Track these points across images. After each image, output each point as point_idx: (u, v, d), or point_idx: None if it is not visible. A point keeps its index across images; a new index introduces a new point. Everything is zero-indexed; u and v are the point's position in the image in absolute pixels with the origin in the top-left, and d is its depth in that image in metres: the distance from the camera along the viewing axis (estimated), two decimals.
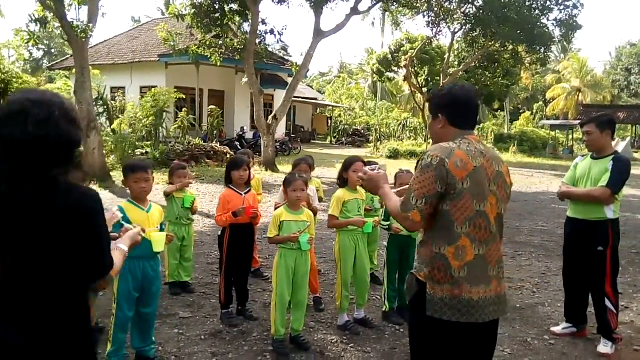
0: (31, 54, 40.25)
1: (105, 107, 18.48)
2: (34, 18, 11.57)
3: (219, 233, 4.66)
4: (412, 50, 25.84)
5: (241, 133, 21.80)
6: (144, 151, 16.65)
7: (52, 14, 11.85)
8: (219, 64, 17.19)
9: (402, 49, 28.24)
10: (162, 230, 3.66)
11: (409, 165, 20.05)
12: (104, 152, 13.57)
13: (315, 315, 4.84)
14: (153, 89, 17.97)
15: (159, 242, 3.44)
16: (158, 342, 4.06)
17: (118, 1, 75.52)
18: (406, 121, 35.65)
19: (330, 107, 37.24)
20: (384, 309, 4.81)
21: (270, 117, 16.77)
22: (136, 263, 3.50)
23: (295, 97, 31.17)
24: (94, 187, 11.76)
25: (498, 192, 2.41)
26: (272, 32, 16.77)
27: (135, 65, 22.59)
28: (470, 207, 2.31)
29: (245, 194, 4.57)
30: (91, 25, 12.09)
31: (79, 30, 11.73)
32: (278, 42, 18.06)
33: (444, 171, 2.27)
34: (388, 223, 4.69)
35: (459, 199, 2.29)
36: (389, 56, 29.45)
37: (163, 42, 17.25)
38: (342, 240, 4.48)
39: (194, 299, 5.11)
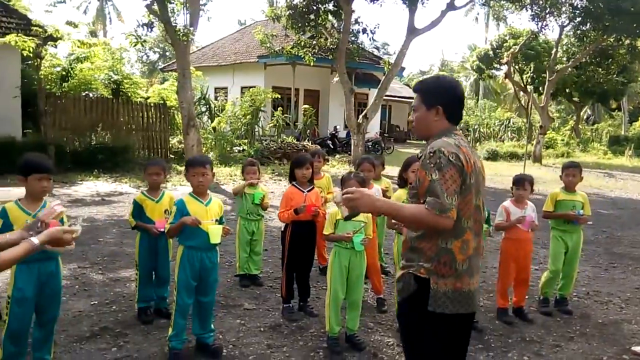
0: (148, 56, 43.41)
1: (208, 106, 19.49)
2: (141, 23, 12.47)
3: (282, 229, 4.78)
4: (515, 46, 24.55)
5: (334, 132, 22.04)
6: (241, 148, 17.40)
7: (157, 19, 12.70)
8: (312, 63, 17.50)
9: (504, 44, 26.95)
10: (221, 223, 3.83)
11: (509, 168, 19.23)
12: (204, 148, 14.30)
13: (377, 316, 4.80)
14: (251, 89, 18.74)
15: (215, 234, 3.61)
16: (219, 331, 4.26)
17: (226, 5, 79.18)
18: (509, 121, 34.02)
19: None
20: None
21: (360, 116, 16.78)
22: (194, 253, 3.69)
23: (390, 96, 31.13)
24: None
25: (482, 186, 2.52)
26: (364, 31, 16.75)
27: (237, 66, 23.61)
28: (472, 201, 2.39)
29: (307, 191, 4.64)
30: (192, 28, 12.80)
31: (180, 34, 12.48)
32: (370, 41, 17.75)
33: (460, 166, 2.31)
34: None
35: (467, 194, 2.35)
36: (490, 52, 28.24)
37: (260, 44, 17.86)
38: (400, 241, 4.39)
39: (260, 291, 5.28)
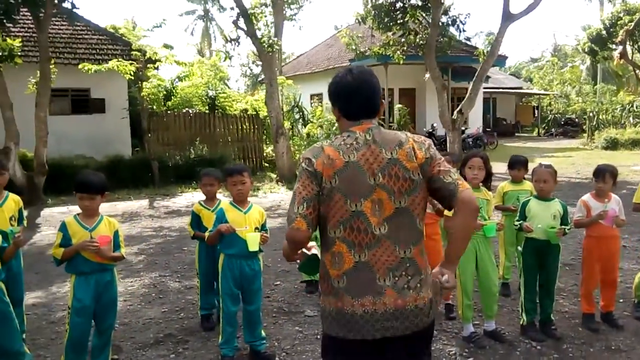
0: (251, 70, 45.23)
1: (301, 113, 19.87)
2: (229, 38, 13.02)
3: None
4: (631, 23, 22.27)
5: (431, 130, 21.42)
6: None
7: (244, 33, 13.19)
8: (401, 62, 17.14)
9: (618, 22, 24.54)
10: (263, 230, 3.82)
11: (630, 157, 17.43)
12: (292, 155, 14.57)
13: (444, 323, 4.52)
14: None
15: (253, 241, 3.61)
16: (276, 338, 4.26)
17: (322, 12, 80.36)
18: (632, 105, 30.87)
19: (538, 96, 34.18)
20: (521, 322, 4.28)
21: (455, 112, 16.13)
22: (234, 261, 3.73)
23: (494, 87, 29.69)
24: (282, 187, 12.81)
25: (389, 183, 2.04)
26: (453, 22, 16.09)
27: (330, 71, 23.79)
28: (343, 207, 2.03)
29: None
30: (276, 39, 13.13)
31: (266, 45, 12.85)
32: (459, 32, 16.95)
33: (311, 171, 2.05)
34: (519, 222, 4.17)
35: (329, 199, 2.04)
36: (603, 32, 25.84)
37: (346, 47, 17.86)
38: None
39: None
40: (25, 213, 4.33)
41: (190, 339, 4.30)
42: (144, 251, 7.31)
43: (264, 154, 16.14)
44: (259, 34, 13.25)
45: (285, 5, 22.56)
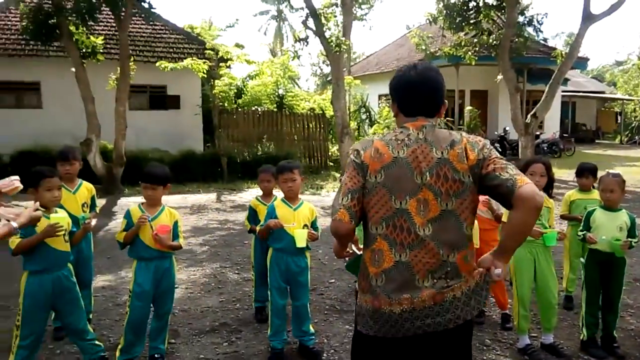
0: (321, 69, 45.60)
1: (368, 113, 19.83)
2: (297, 38, 13.22)
3: None
4: None
5: (502, 134, 20.74)
6: None
7: (313, 33, 13.33)
8: (473, 63, 16.71)
9: None
10: (314, 227, 3.88)
11: None
12: None
13: (499, 333, 4.41)
14: None
15: (300, 238, 3.67)
16: (326, 335, 4.31)
17: (394, 12, 79.62)
18: None
19: (621, 101, 32.23)
20: (581, 337, 4.10)
21: (529, 116, 15.54)
22: (281, 256, 3.82)
23: (574, 91, 28.29)
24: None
25: (437, 184, 1.97)
26: (530, 22, 15.49)
27: None
28: (387, 204, 1.99)
29: None
30: (344, 39, 13.19)
31: (334, 45, 12.93)
32: (538, 33, 16.28)
33: (358, 163, 2.04)
34: (583, 232, 3.99)
35: (373, 194, 2.01)
36: None
37: (415, 47, 17.63)
38: (517, 251, 3.89)
39: None
40: (103, 201, 4.61)
41: (244, 330, 4.44)
42: (208, 242, 7.58)
43: (329, 153, 16.25)
44: (327, 33, 13.37)
45: (356, 5, 22.58)
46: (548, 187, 3.95)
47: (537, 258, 3.92)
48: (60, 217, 3.39)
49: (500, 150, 19.71)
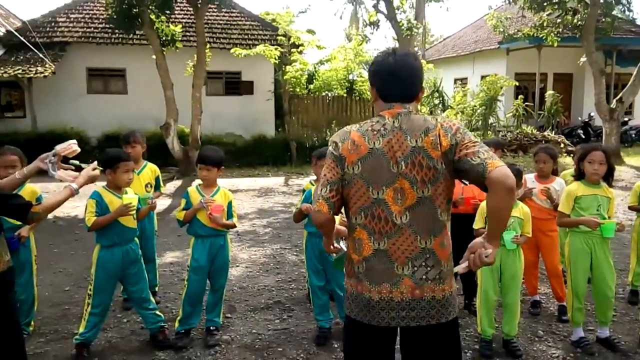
0: None
1: (441, 98, 19.40)
2: (367, 22, 13.17)
3: None
4: None
5: (587, 120, 19.57)
6: None
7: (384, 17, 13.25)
8: (555, 44, 15.87)
9: None
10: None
11: None
12: None
13: (554, 324, 4.30)
14: (486, 77, 17.97)
15: None
16: None
17: None
18: None
19: None
20: None
21: (614, 100, 14.62)
22: (314, 239, 3.96)
23: None
24: None
25: (412, 172, 1.99)
26: (617, 1, 14.46)
27: (477, 55, 22.80)
28: (365, 194, 2.04)
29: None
30: (415, 22, 12.99)
31: (404, 29, 12.78)
32: (627, 13, 15.18)
33: (337, 155, 2.08)
34: None
35: (351, 185, 2.06)
36: None
37: (493, 29, 16.98)
38: (573, 242, 3.85)
39: None
40: (179, 183, 4.92)
41: (296, 309, 4.61)
42: (271, 224, 7.85)
43: None
44: (400, 17, 13.24)
45: None
46: (608, 176, 3.78)
47: (593, 249, 3.77)
48: (131, 197, 3.70)
49: (584, 137, 18.67)
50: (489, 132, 17.33)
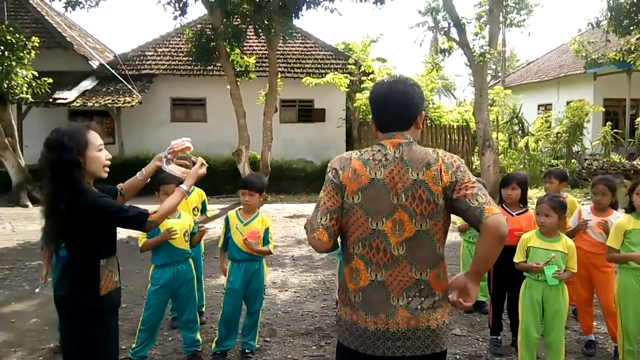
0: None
1: (520, 125, 18.71)
2: (440, 49, 13.05)
3: None
4: None
5: None
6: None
7: (456, 44, 13.08)
8: None
9: None
10: None
11: None
12: (511, 169, 13.81)
13: None
14: (571, 103, 17.17)
15: None
16: None
17: (560, 17, 73.54)
18: None
19: None
20: None
21: None
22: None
23: None
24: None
25: (412, 205, 1.97)
26: None
27: (562, 80, 21.87)
28: (364, 225, 2.00)
29: (517, 214, 4.23)
30: (488, 48, 12.70)
31: (477, 55, 12.54)
32: None
33: (336, 183, 2.04)
34: None
35: (350, 215, 2.02)
36: None
37: (575, 54, 16.23)
38: (622, 279, 3.59)
39: (481, 319, 4.97)
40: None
41: (335, 336, 4.57)
42: None
43: (473, 167, 15.68)
44: (475, 43, 13.03)
45: (514, 11, 21.52)
46: None
47: None
48: (174, 222, 3.90)
49: None
50: (572, 160, 16.45)
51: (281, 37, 10.94)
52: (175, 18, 12.12)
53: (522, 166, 15.79)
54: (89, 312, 2.55)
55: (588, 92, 19.99)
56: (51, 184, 2.45)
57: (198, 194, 4.85)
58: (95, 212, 2.46)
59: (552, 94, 22.19)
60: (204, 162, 2.93)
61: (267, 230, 4.04)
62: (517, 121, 18.75)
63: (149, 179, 2.99)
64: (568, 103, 20.40)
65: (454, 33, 12.95)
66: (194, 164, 2.92)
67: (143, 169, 2.94)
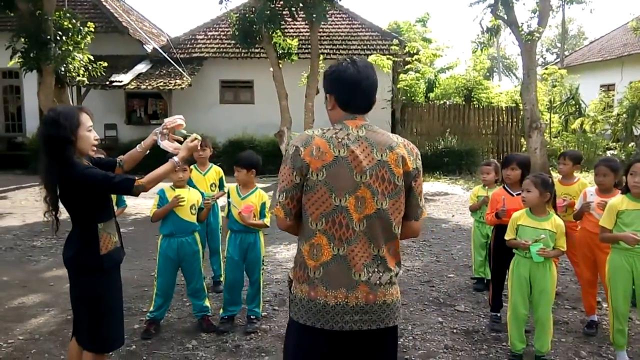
0: (544, 58, 42.17)
1: (577, 106, 17.94)
2: (486, 28, 12.74)
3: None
4: None
5: None
6: (613, 152, 15.41)
7: (504, 22, 12.73)
8: None
9: None
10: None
11: None
12: (551, 152, 13.44)
13: (605, 346, 3.96)
14: (632, 83, 16.30)
15: None
16: (414, 323, 4.42)
17: None
18: None
19: None
20: None
21: None
22: None
23: None
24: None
25: (375, 184, 2.03)
26: None
27: (626, 58, 20.71)
28: (328, 201, 2.03)
29: (517, 194, 4.23)
30: (538, 27, 12.29)
31: (524, 34, 12.17)
32: None
33: (298, 161, 2.04)
34: None
35: (313, 192, 2.04)
36: None
37: (633, 31, 15.35)
38: (613, 259, 3.57)
39: (488, 296, 5.02)
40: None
41: None
42: None
43: (523, 149, 15.28)
44: (528, 22, 12.64)
45: None
46: None
47: (635, 268, 3.46)
48: (182, 190, 4.21)
49: None
50: (631, 143, 15.67)
51: (314, 18, 11.01)
52: (220, 2, 12.45)
53: (576, 149, 15.20)
54: (91, 269, 2.88)
55: None
56: (46, 158, 2.76)
57: (216, 171, 5.12)
58: (84, 182, 2.76)
59: (616, 74, 21.05)
60: (198, 137, 3.15)
61: (263, 205, 4.23)
62: (573, 102, 17.99)
63: (148, 151, 3.26)
64: (632, 82, 19.39)
65: (502, 12, 12.62)
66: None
67: (142, 142, 3.20)
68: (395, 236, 2.12)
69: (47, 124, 2.75)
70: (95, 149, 2.95)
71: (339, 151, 2.03)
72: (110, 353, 3.37)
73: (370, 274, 2.06)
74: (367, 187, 2.03)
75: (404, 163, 2.07)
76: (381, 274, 2.08)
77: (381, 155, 2.05)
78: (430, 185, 12.57)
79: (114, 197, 4.69)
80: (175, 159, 3.05)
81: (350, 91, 2.12)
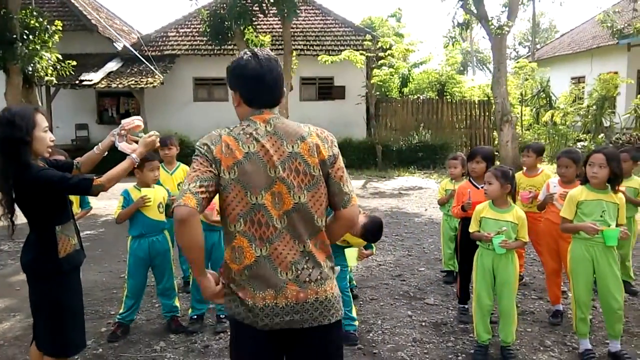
0: (517, 52, 42.75)
1: (548, 99, 18.24)
2: (457, 23, 12.86)
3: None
4: None
5: None
6: (583, 144, 15.71)
7: (473, 17, 12.86)
8: None
9: None
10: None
11: None
12: (519, 144, 13.62)
13: (569, 335, 4.05)
14: (601, 76, 16.63)
15: (351, 257, 3.89)
16: (384, 317, 4.45)
17: None
18: None
19: None
20: None
21: None
22: None
23: None
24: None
25: (289, 177, 1.95)
26: None
27: (595, 51, 21.09)
28: (244, 200, 1.95)
29: (482, 187, 4.28)
30: (507, 20, 12.45)
31: (494, 28, 12.32)
32: None
33: (211, 156, 1.95)
34: None
35: (228, 191, 1.95)
36: None
37: (600, 24, 15.65)
38: (574, 248, 3.64)
39: (455, 288, 5.08)
40: None
41: None
42: None
43: (495, 142, 15.48)
44: (498, 16, 12.79)
45: None
46: (613, 181, 3.51)
47: (595, 258, 3.53)
48: (148, 190, 4.15)
49: None
50: (601, 134, 16.00)
51: (285, 14, 10.99)
52: None
53: (546, 141, 15.48)
54: (50, 273, 2.83)
55: (622, 63, 19.21)
56: (0, 159, 2.71)
57: (183, 169, 5.07)
58: (41, 184, 2.71)
59: (585, 67, 21.43)
60: (157, 133, 3.15)
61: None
62: (544, 95, 18.29)
63: (106, 153, 3.22)
64: (599, 75, 19.77)
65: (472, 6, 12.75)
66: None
67: (100, 144, 3.15)
68: (319, 229, 2.03)
69: (2, 125, 2.69)
70: (50, 150, 2.90)
71: (249, 147, 1.96)
72: (76, 357, 3.32)
73: (298, 272, 1.97)
74: (282, 181, 1.96)
75: (318, 152, 1.99)
76: (311, 270, 1.99)
77: (292, 147, 1.98)
78: (404, 180, 12.67)
79: (77, 199, 4.67)
80: (133, 155, 3.02)
81: (254, 87, 2.04)
